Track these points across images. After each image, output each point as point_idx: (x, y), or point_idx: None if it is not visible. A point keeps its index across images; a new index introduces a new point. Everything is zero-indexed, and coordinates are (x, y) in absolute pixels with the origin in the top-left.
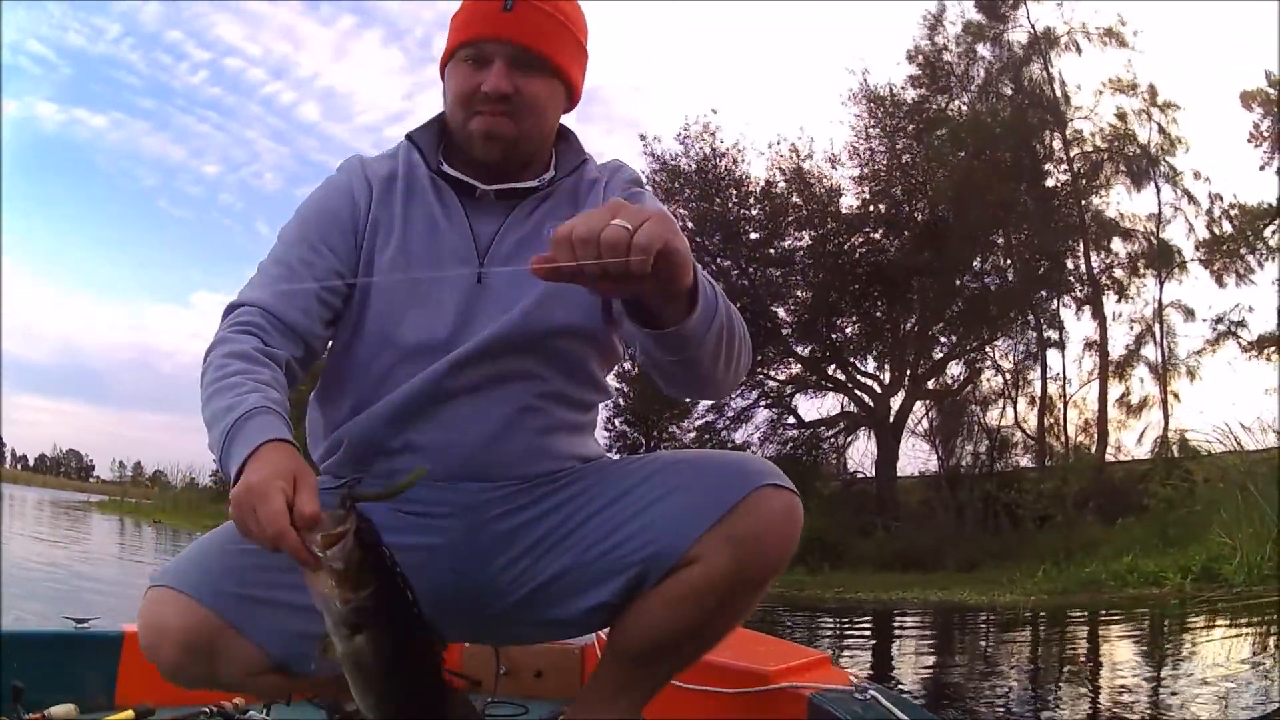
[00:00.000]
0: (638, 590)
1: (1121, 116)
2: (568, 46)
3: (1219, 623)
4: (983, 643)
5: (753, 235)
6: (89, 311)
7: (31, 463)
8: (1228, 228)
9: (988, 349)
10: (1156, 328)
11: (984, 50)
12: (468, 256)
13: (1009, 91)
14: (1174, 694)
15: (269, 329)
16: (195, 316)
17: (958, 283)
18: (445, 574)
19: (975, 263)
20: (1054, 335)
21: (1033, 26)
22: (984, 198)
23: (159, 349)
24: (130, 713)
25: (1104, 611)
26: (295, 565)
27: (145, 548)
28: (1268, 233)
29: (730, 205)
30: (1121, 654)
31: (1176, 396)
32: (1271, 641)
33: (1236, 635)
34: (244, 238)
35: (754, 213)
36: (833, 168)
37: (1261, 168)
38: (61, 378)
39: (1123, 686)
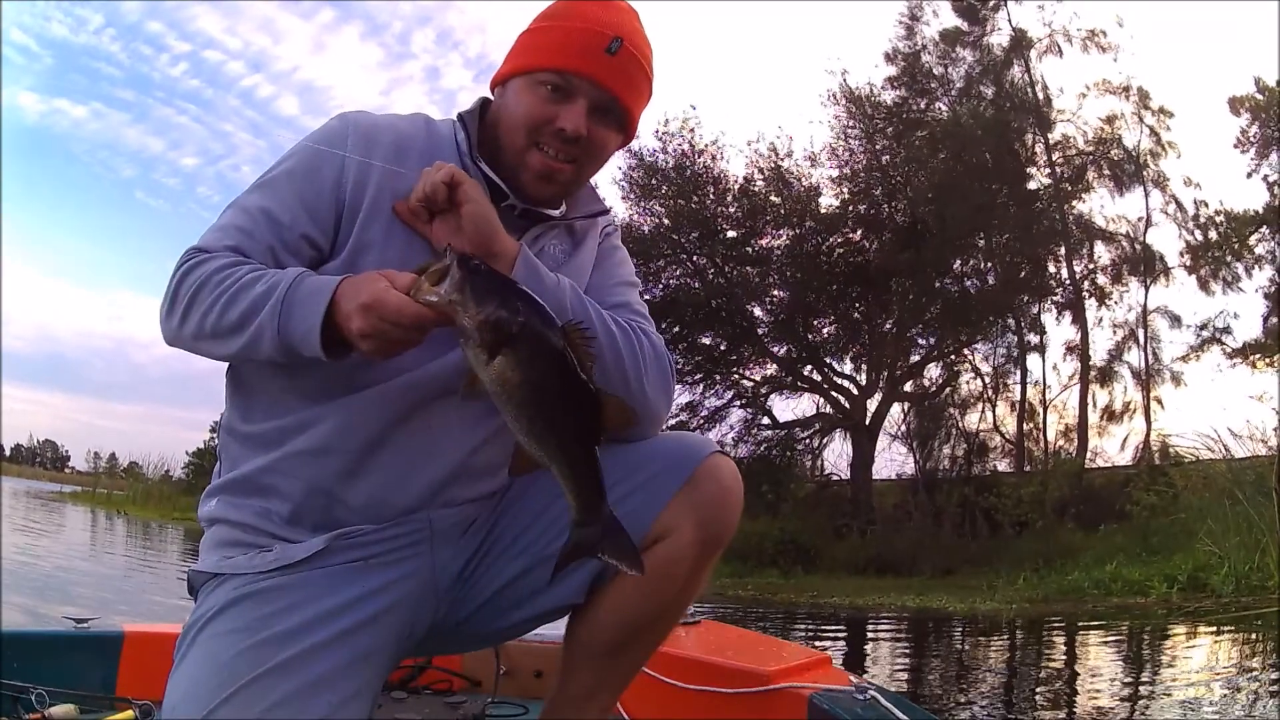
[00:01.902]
0: (602, 578)
1: (1109, 120)
2: (644, 96)
3: (1209, 633)
4: (962, 652)
5: (730, 233)
6: (66, 301)
7: (8, 452)
8: (1213, 234)
9: (967, 352)
10: (1140, 333)
11: (964, 53)
12: None
13: (989, 94)
14: (1166, 707)
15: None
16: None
17: (937, 285)
18: (421, 601)
19: (955, 265)
20: (1034, 339)
21: (1013, 29)
22: (964, 200)
23: (135, 340)
24: (130, 712)
25: (1087, 621)
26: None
27: (113, 540)
28: (1253, 240)
29: (708, 203)
30: (1110, 665)
31: (1160, 403)
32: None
33: (1231, 646)
34: None
35: (732, 210)
36: (812, 166)
37: (1249, 174)
38: (38, 366)
39: (1112, 698)
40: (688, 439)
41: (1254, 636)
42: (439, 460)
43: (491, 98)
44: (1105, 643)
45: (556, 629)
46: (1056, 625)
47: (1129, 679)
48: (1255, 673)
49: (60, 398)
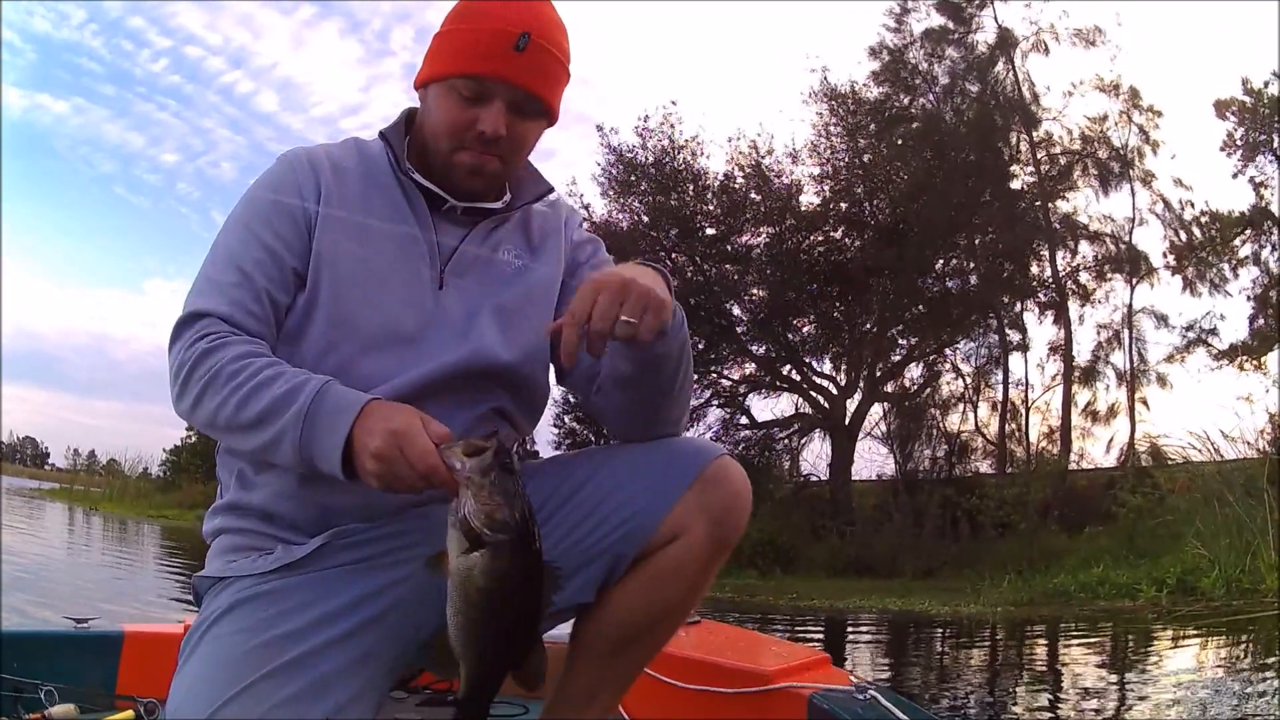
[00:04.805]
0: (611, 578)
1: (1099, 119)
2: (561, 84)
3: (1203, 638)
4: (947, 655)
5: (709, 231)
6: (46, 297)
7: None
8: (1198, 235)
9: (948, 352)
10: (1125, 334)
11: (949, 50)
12: (430, 260)
13: (974, 90)
14: (1163, 710)
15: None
16: (150, 304)
17: (919, 283)
18: (426, 601)
19: (937, 264)
20: (1017, 339)
21: (999, 25)
22: (947, 198)
23: (114, 336)
24: (130, 712)
25: (1075, 624)
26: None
27: (87, 535)
28: (1238, 241)
29: (687, 200)
30: (1102, 670)
31: (1145, 404)
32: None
33: (1225, 650)
34: (200, 226)
35: (711, 208)
36: (793, 163)
37: (1234, 175)
38: (17, 363)
39: (1105, 702)
40: (695, 442)
41: (1248, 640)
42: None
43: (409, 110)
44: (1095, 647)
45: (558, 629)
46: (1043, 629)
47: (1122, 683)
48: (1253, 676)
49: (40, 394)
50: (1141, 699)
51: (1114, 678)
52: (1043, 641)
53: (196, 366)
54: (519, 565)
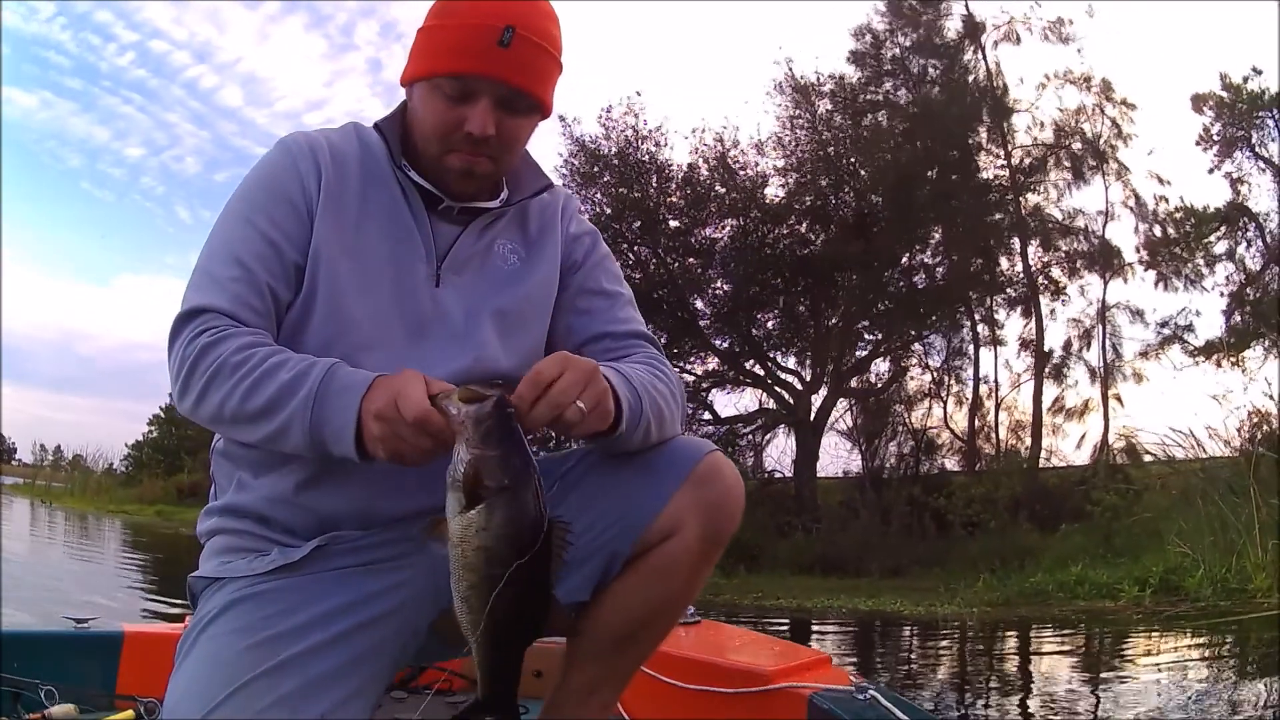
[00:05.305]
0: (607, 576)
1: (1073, 111)
2: (553, 76)
3: (1194, 640)
4: (925, 657)
5: (673, 223)
6: (14, 291)
7: None
8: (1172, 231)
9: (915, 347)
10: (1099, 329)
11: (917, 38)
12: (427, 257)
13: (942, 81)
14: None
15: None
16: (117, 299)
17: (886, 276)
18: (424, 605)
19: (904, 258)
20: (986, 333)
21: (967, 11)
22: (915, 191)
23: (81, 331)
24: (130, 712)
25: (1056, 625)
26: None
27: (49, 530)
28: (1213, 238)
29: (651, 191)
30: (1090, 673)
31: (1119, 400)
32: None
33: (1219, 652)
34: (164, 221)
35: (675, 199)
36: (759, 154)
37: (1210, 171)
38: None
39: (1095, 707)
40: (687, 439)
41: (1242, 642)
42: (427, 470)
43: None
44: (1080, 649)
45: None
46: (1024, 630)
47: (1111, 688)
48: (1255, 679)
49: (7, 389)
50: (1138, 703)
51: (1108, 680)
52: (1025, 643)
53: (199, 361)
54: (521, 520)
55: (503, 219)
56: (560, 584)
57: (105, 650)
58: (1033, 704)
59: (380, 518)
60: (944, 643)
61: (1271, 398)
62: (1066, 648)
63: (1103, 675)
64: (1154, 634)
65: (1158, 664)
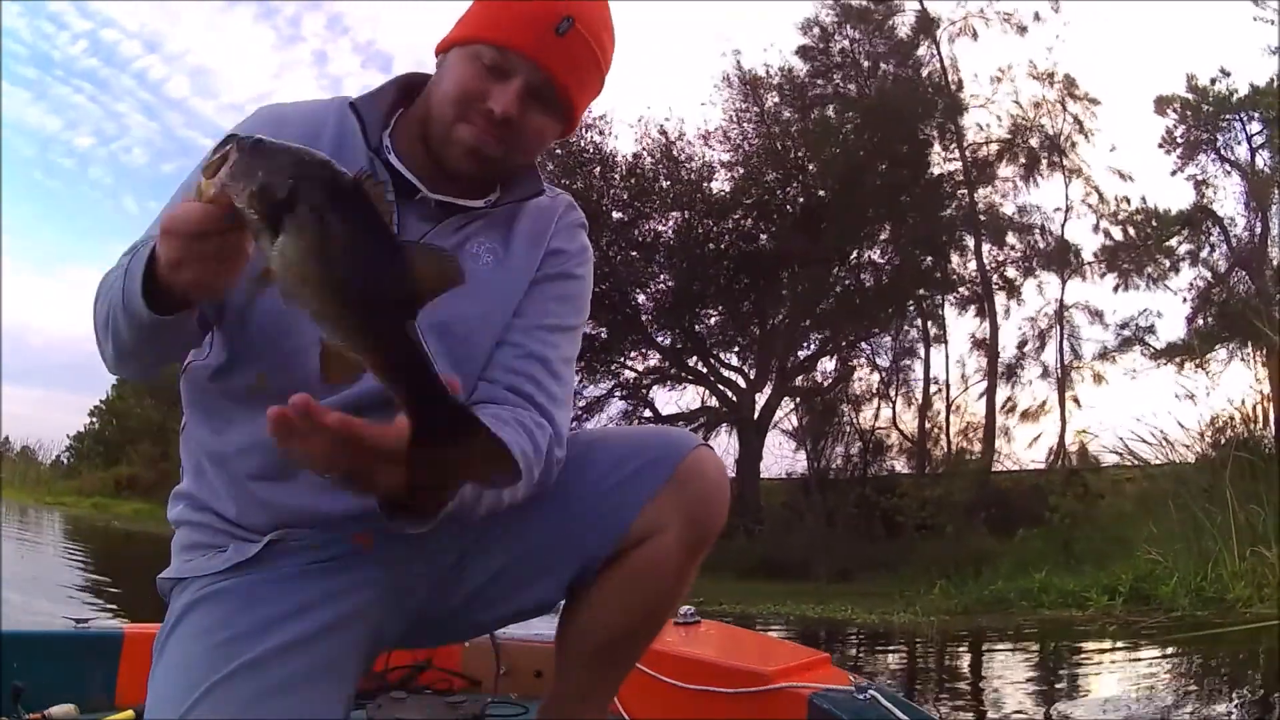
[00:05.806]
0: (584, 578)
1: (1030, 105)
2: (592, 88)
3: (1173, 652)
4: (895, 671)
5: (616, 215)
6: None
7: None
8: (1133, 232)
9: (863, 345)
10: (1056, 329)
11: (867, 30)
12: None
13: (894, 74)
14: None
15: None
16: (63, 289)
17: (834, 273)
18: (389, 603)
19: (853, 255)
20: (937, 332)
21: (924, 9)
22: (864, 186)
23: (29, 323)
24: (130, 713)
25: (1022, 636)
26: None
27: None
28: (1174, 241)
29: (594, 182)
30: (1070, 691)
31: (1077, 402)
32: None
33: (1205, 665)
34: (111, 212)
35: (619, 191)
36: (705, 144)
37: (1173, 173)
38: None
39: None
40: (670, 433)
41: (1234, 655)
42: None
43: (406, 76)
44: (1049, 661)
45: (547, 629)
46: (986, 640)
47: (1088, 704)
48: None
49: None
50: None
51: (1082, 695)
52: (986, 655)
53: (95, 314)
54: (330, 200)
55: (482, 220)
56: (530, 588)
57: (105, 650)
58: None
59: (332, 517)
60: (900, 654)
61: (1232, 401)
62: (1034, 660)
63: (1080, 690)
64: (1129, 645)
65: (1138, 678)
